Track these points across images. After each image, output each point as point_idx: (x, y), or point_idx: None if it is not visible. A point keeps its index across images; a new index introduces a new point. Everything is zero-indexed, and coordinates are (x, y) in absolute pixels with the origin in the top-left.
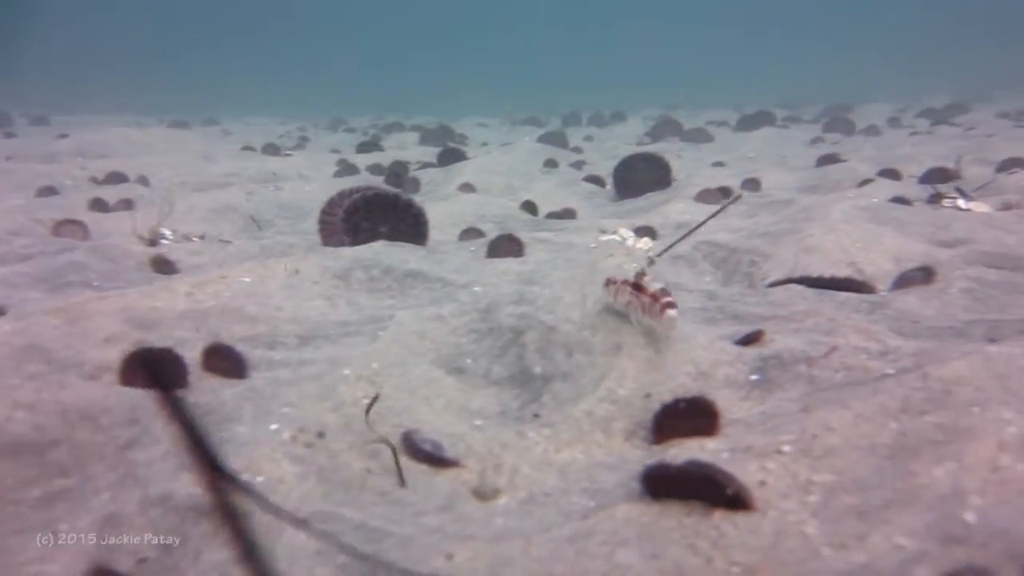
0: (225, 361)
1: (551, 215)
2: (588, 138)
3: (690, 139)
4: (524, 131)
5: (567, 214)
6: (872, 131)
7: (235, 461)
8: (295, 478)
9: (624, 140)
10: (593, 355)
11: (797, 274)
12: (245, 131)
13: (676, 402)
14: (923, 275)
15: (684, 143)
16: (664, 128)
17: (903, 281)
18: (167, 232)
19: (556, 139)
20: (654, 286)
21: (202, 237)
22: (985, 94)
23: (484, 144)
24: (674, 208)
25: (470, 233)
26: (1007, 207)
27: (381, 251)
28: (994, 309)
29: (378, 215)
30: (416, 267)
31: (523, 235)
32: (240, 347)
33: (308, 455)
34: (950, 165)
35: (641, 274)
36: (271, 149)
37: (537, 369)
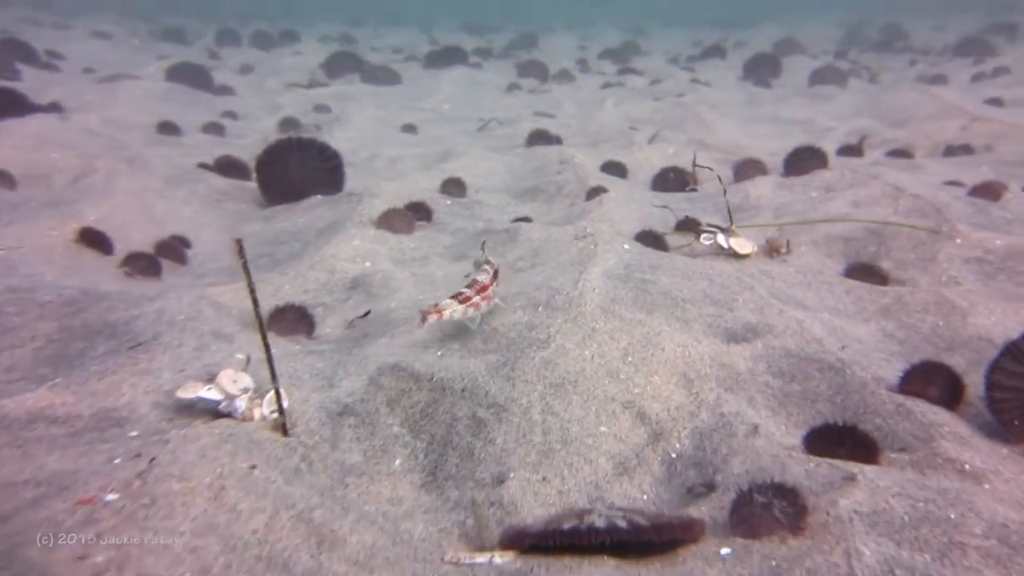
0: None
1: (132, 260)
2: (246, 68)
3: (373, 79)
4: (158, 51)
5: (168, 252)
6: (565, 77)
7: None
8: None
9: (291, 76)
10: None
11: (553, 449)
12: None
13: None
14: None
15: (366, 85)
16: (342, 62)
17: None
18: None
19: (193, 73)
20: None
21: None
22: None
23: (88, 70)
24: (345, 248)
25: None
26: (774, 249)
27: None
28: None
29: None
30: None
31: None
32: None
33: None
34: (685, 167)
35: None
36: None
37: None
